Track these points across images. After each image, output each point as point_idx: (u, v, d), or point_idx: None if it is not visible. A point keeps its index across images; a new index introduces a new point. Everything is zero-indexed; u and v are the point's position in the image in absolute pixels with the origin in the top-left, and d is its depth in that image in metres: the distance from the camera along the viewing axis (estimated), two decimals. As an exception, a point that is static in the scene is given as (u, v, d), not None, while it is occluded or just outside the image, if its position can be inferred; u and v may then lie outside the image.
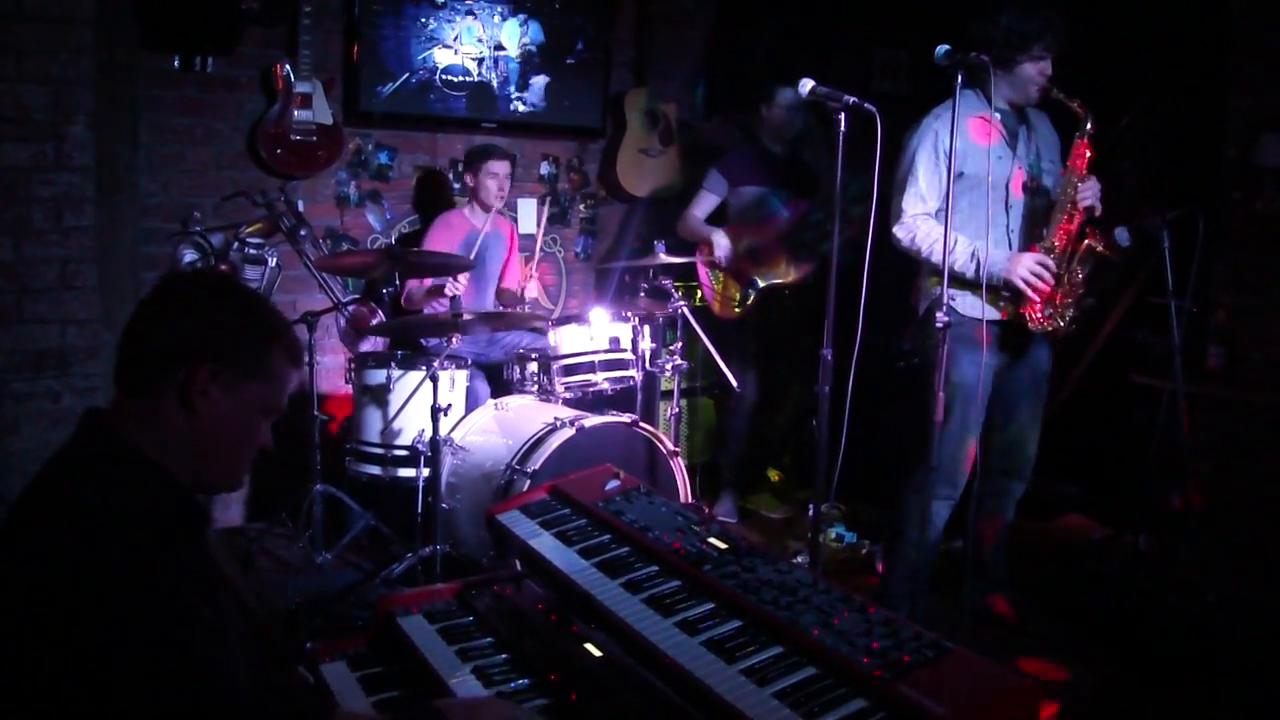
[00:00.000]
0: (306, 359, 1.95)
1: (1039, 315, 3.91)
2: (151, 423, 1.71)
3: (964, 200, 3.85)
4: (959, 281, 3.88)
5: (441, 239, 5.30)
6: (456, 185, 5.86)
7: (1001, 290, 3.92)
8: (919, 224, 3.93)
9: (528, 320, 5.10)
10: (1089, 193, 3.89)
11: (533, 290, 5.67)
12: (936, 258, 3.79)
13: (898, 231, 3.98)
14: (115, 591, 1.49)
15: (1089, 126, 3.86)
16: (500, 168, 5.27)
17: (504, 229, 5.57)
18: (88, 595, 1.48)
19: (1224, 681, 3.80)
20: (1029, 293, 3.86)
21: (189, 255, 4.38)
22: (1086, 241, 3.89)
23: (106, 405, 1.77)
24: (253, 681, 1.67)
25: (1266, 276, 4.57)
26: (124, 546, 1.54)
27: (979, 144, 3.88)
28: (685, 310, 4.98)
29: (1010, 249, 3.96)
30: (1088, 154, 3.88)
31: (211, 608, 1.61)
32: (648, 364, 4.91)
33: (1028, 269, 3.84)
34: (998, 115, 3.95)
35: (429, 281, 5.19)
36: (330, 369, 5.49)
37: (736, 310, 5.48)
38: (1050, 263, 3.85)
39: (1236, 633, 3.85)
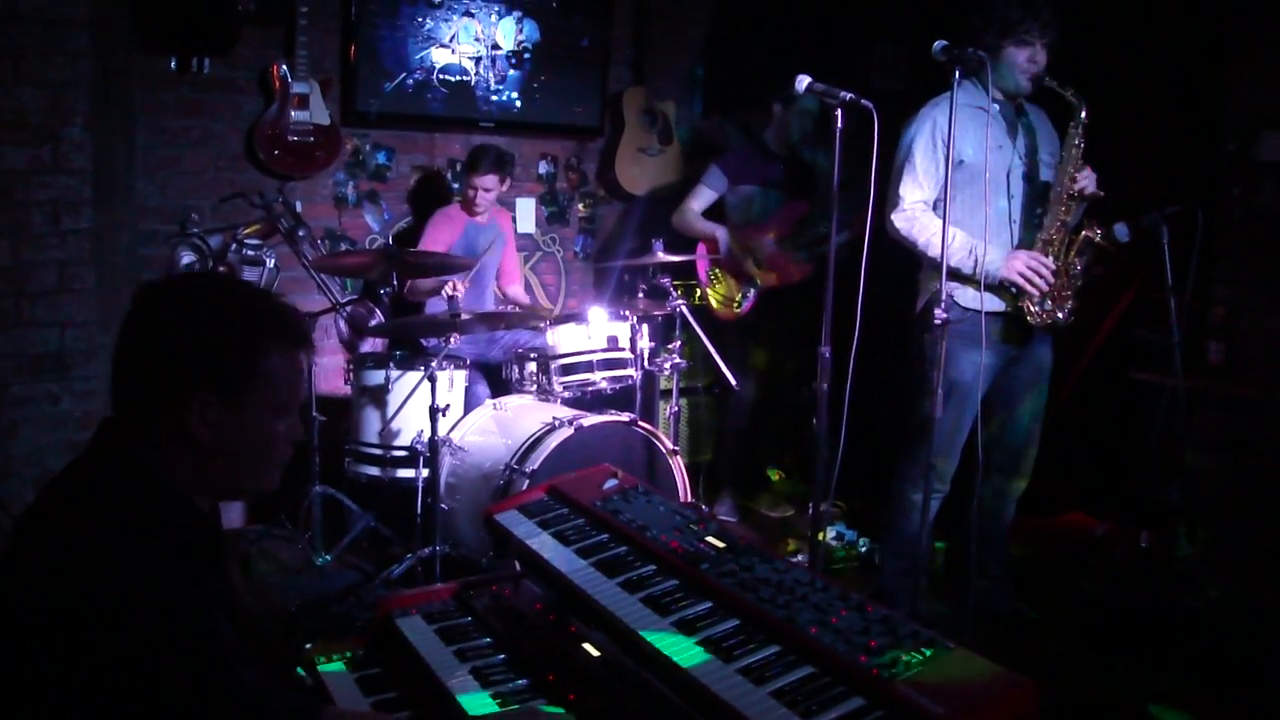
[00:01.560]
0: (310, 335, 1.83)
1: (1037, 309, 3.91)
2: (161, 445, 1.67)
3: (964, 191, 3.85)
4: (958, 275, 3.88)
5: (441, 232, 5.29)
6: (455, 185, 5.85)
7: (1001, 286, 3.92)
8: (917, 215, 3.93)
9: (526, 319, 5.11)
10: (1085, 181, 3.89)
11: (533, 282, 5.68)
12: (934, 251, 3.80)
13: (896, 220, 3.97)
14: (131, 614, 1.48)
15: (1083, 115, 3.86)
16: (488, 181, 5.24)
17: (501, 223, 5.56)
18: (101, 615, 1.47)
19: (1226, 677, 3.80)
20: (1028, 289, 3.86)
21: (187, 257, 4.39)
22: (1084, 232, 3.90)
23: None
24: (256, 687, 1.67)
25: (1266, 272, 4.56)
26: (138, 568, 1.53)
27: (978, 135, 3.87)
28: (684, 309, 4.97)
29: (1010, 239, 3.96)
30: (1082, 144, 3.88)
31: (229, 625, 1.61)
32: (646, 363, 4.91)
33: (1024, 265, 3.85)
34: (995, 107, 3.95)
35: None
36: (329, 370, 5.48)
37: (735, 310, 5.47)
38: (1048, 260, 3.85)
39: (1238, 628, 3.85)
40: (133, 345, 1.68)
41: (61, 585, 1.50)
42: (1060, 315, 3.94)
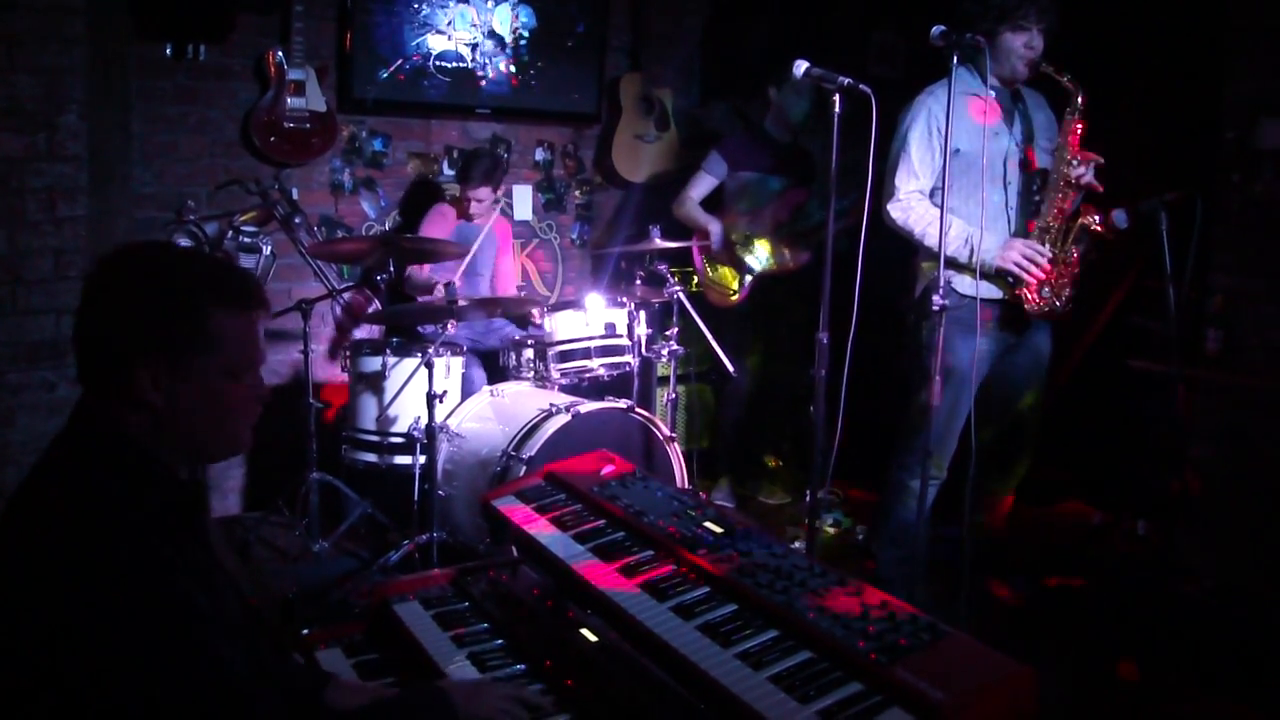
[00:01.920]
0: (261, 293, 1.81)
1: (1035, 297, 3.91)
2: (125, 415, 1.67)
3: (961, 179, 3.83)
4: (954, 263, 3.87)
5: (435, 229, 5.28)
6: (451, 171, 5.83)
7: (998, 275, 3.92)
8: (913, 203, 3.92)
9: (523, 305, 5.10)
10: (1083, 170, 3.89)
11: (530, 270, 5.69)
12: (931, 240, 3.80)
13: (891, 210, 3.97)
14: (106, 582, 1.48)
15: (1080, 102, 3.85)
16: (481, 194, 5.26)
17: (497, 227, 5.55)
18: (79, 587, 1.47)
19: (1222, 666, 3.80)
20: (1024, 278, 3.86)
21: (183, 244, 4.37)
22: (1081, 220, 3.89)
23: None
24: (250, 667, 1.66)
25: (1265, 260, 4.56)
26: (115, 537, 1.52)
27: (975, 122, 3.86)
28: (681, 296, 4.97)
29: (1008, 227, 3.96)
30: (1080, 130, 3.87)
31: (207, 595, 1.60)
32: (643, 350, 4.90)
33: (1020, 254, 3.84)
34: (992, 93, 3.94)
35: (428, 270, 5.19)
36: (326, 356, 5.48)
37: (732, 298, 5.47)
38: (1044, 249, 3.85)
39: (1235, 617, 3.85)
40: (82, 319, 1.69)
41: (35, 559, 1.50)
42: (1058, 304, 3.93)
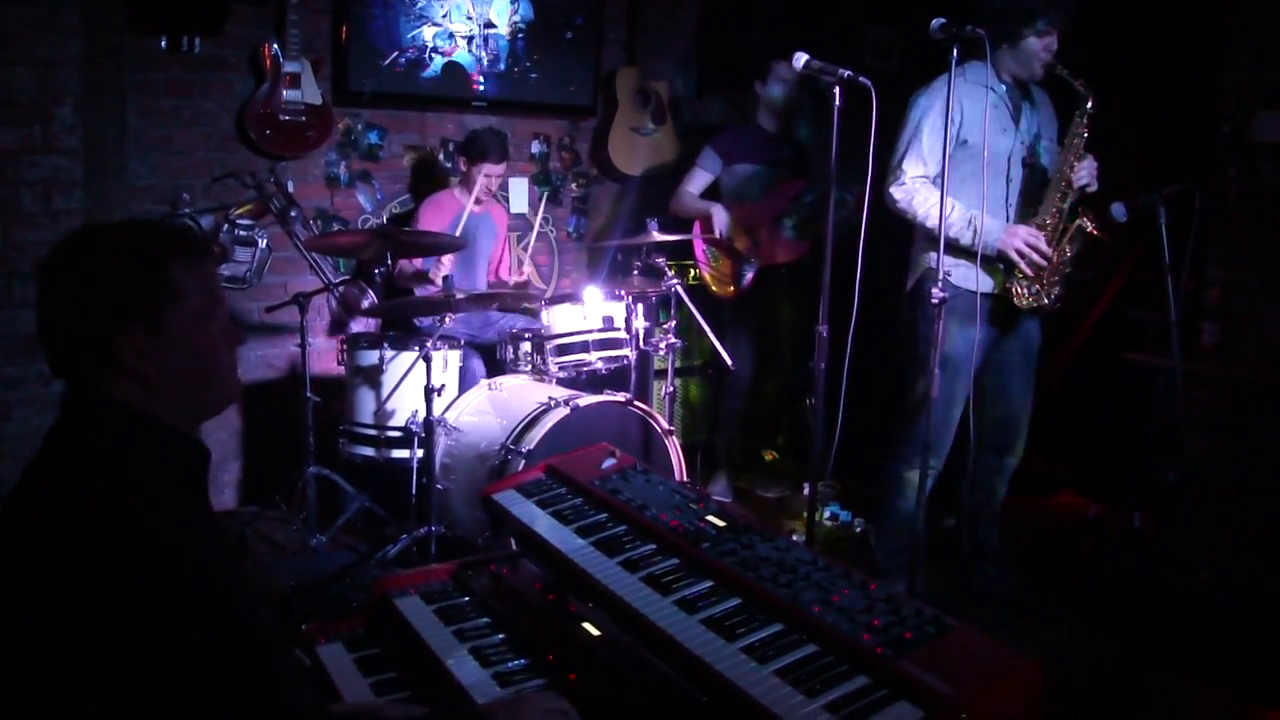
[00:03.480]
0: (206, 240, 1.84)
1: (1023, 291, 3.93)
2: (115, 384, 1.66)
3: (964, 169, 3.85)
4: (955, 251, 3.88)
5: (431, 220, 5.27)
6: (448, 164, 5.83)
7: (996, 261, 3.92)
8: (918, 187, 3.93)
9: (520, 300, 5.10)
10: (1084, 172, 3.90)
11: (528, 268, 5.66)
12: (932, 223, 3.81)
13: (895, 192, 3.98)
14: (146, 554, 1.47)
15: (1089, 106, 3.86)
16: (495, 169, 5.24)
17: (494, 214, 5.54)
18: (120, 561, 1.45)
19: (1219, 659, 3.81)
20: (1021, 265, 3.87)
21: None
22: (1078, 221, 3.90)
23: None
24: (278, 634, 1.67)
25: (1261, 253, 4.56)
26: (145, 508, 1.52)
27: (987, 116, 3.86)
28: (679, 288, 4.97)
29: (1007, 222, 3.96)
30: (1085, 134, 3.88)
31: (234, 560, 1.61)
32: (641, 343, 4.90)
33: (1022, 241, 3.85)
34: (1002, 88, 3.95)
35: (419, 262, 5.17)
36: (322, 350, 5.47)
37: (731, 290, 5.47)
38: (1044, 239, 3.86)
39: (1231, 610, 3.85)
40: (47, 311, 1.68)
41: (64, 548, 1.47)
42: (1046, 301, 3.95)
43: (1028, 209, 4.00)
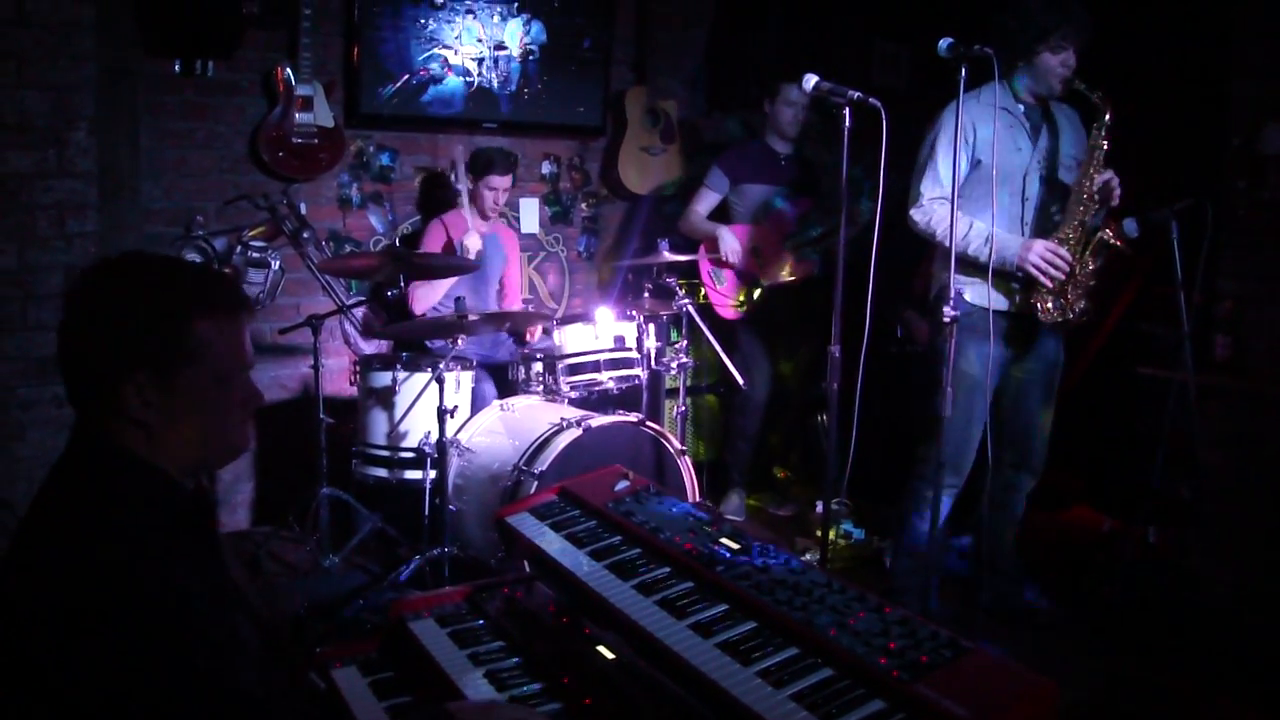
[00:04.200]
0: (244, 296, 1.78)
1: (1049, 305, 3.91)
2: (122, 428, 1.65)
3: (980, 189, 3.84)
4: (970, 269, 3.86)
5: (438, 238, 5.29)
6: (459, 186, 5.84)
7: (1013, 278, 3.91)
8: (936, 208, 3.93)
9: (532, 319, 5.11)
10: (1108, 182, 3.89)
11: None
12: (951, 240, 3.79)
13: (915, 215, 3.99)
14: (123, 604, 1.46)
15: (1107, 118, 3.85)
16: (500, 182, 5.26)
17: (502, 235, 5.55)
18: (96, 610, 1.45)
19: (1236, 673, 3.79)
20: (1041, 279, 3.85)
21: (192, 259, 4.38)
22: (1100, 233, 3.89)
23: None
24: (265, 689, 1.65)
25: (1273, 265, 4.54)
26: (128, 557, 1.51)
27: (1002, 135, 3.86)
28: (690, 308, 4.97)
29: (1023, 238, 3.95)
30: (1106, 145, 3.87)
31: (223, 615, 1.60)
32: (653, 363, 4.91)
33: (1040, 255, 3.83)
34: (1020, 108, 3.95)
35: (432, 285, 5.19)
36: (335, 371, 5.48)
37: (739, 309, 5.47)
38: (1065, 251, 3.84)
39: (1248, 624, 3.84)
40: (64, 338, 1.66)
41: (47, 588, 1.49)
42: (1071, 315, 3.93)
43: (1045, 227, 3.99)
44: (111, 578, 1.48)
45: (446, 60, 5.65)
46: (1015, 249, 3.87)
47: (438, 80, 5.64)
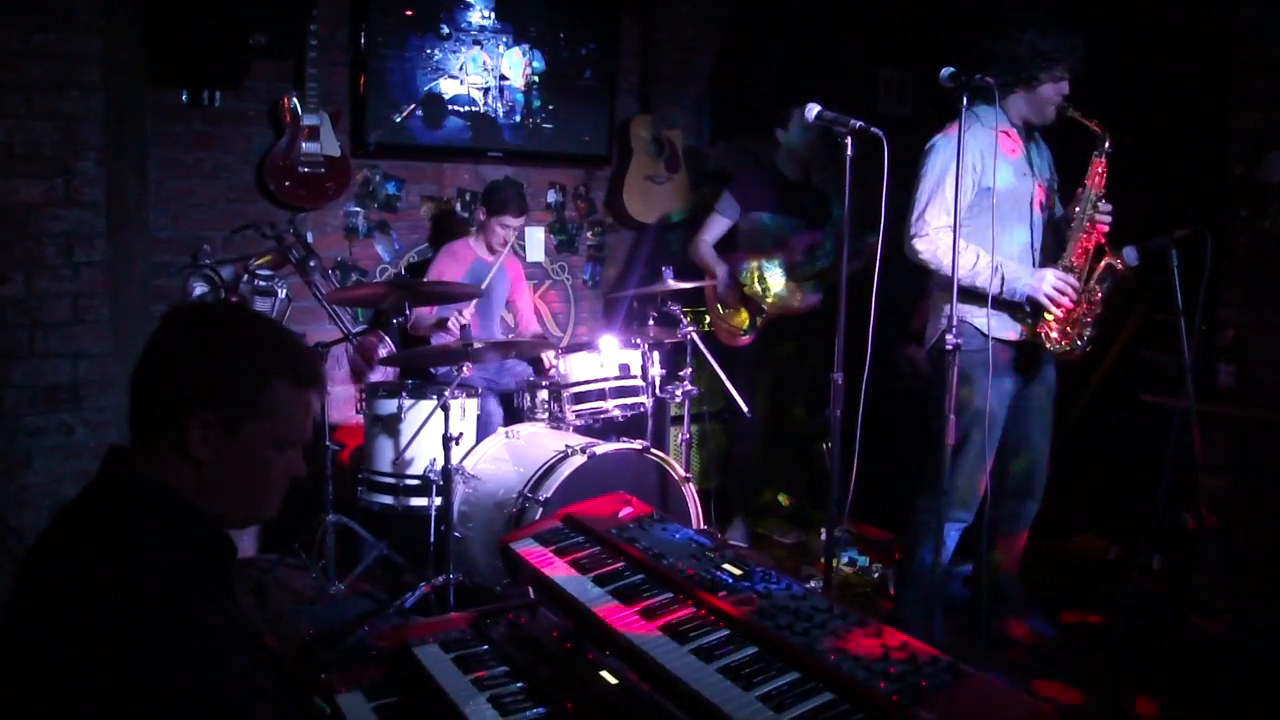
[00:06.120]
0: (322, 374, 1.83)
1: (1057, 335, 3.91)
2: (169, 463, 1.68)
3: (987, 216, 3.81)
4: (975, 299, 3.86)
5: (445, 269, 5.32)
6: (465, 214, 5.88)
7: (1023, 307, 3.91)
8: (941, 237, 3.87)
9: (537, 348, 5.13)
10: (1107, 212, 3.90)
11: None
12: (961, 273, 3.79)
13: (919, 244, 3.92)
14: (149, 642, 1.47)
15: (1106, 145, 3.86)
16: (514, 222, 5.29)
17: (507, 264, 5.58)
18: (120, 644, 1.45)
19: (1241, 702, 3.78)
20: (1052, 309, 3.85)
21: (199, 288, 4.40)
22: (1106, 260, 3.89)
23: (126, 444, 1.74)
24: None
25: (1275, 293, 4.56)
26: (155, 593, 1.52)
27: (1007, 160, 3.87)
28: (694, 336, 4.99)
29: (1033, 266, 3.96)
30: (1103, 170, 3.89)
31: (246, 655, 1.61)
32: (658, 390, 4.92)
33: (1052, 285, 3.83)
34: (1015, 130, 3.97)
35: (435, 310, 5.21)
36: (341, 399, 5.51)
37: (741, 338, 5.49)
38: (1073, 280, 3.85)
39: (1253, 652, 3.83)
40: (146, 365, 1.71)
41: (70, 608, 1.49)
42: (1079, 342, 3.92)
43: (1051, 251, 4.00)
44: (150, 618, 1.49)
45: (452, 89, 5.69)
46: (1028, 279, 3.85)
47: (443, 109, 5.68)
